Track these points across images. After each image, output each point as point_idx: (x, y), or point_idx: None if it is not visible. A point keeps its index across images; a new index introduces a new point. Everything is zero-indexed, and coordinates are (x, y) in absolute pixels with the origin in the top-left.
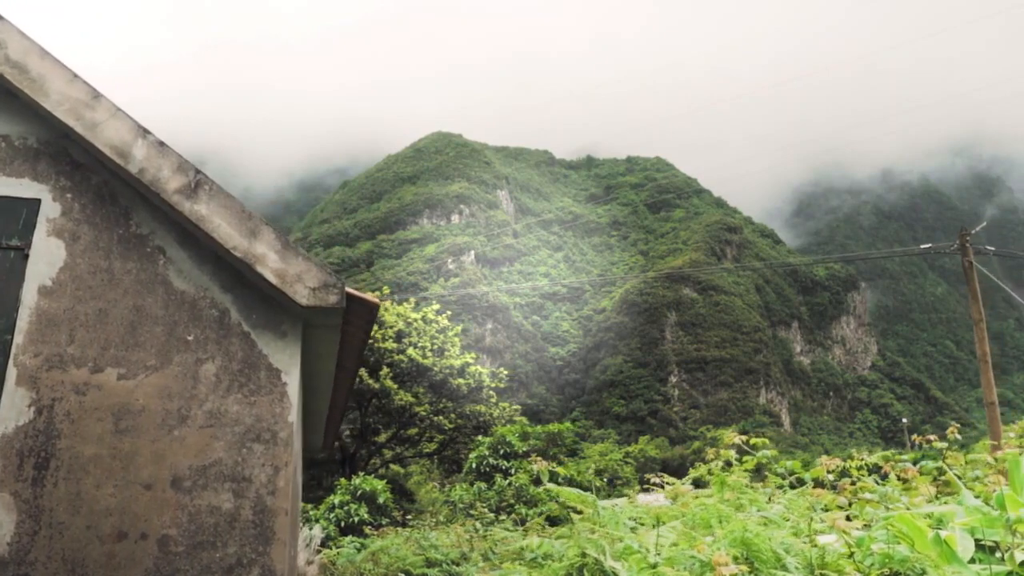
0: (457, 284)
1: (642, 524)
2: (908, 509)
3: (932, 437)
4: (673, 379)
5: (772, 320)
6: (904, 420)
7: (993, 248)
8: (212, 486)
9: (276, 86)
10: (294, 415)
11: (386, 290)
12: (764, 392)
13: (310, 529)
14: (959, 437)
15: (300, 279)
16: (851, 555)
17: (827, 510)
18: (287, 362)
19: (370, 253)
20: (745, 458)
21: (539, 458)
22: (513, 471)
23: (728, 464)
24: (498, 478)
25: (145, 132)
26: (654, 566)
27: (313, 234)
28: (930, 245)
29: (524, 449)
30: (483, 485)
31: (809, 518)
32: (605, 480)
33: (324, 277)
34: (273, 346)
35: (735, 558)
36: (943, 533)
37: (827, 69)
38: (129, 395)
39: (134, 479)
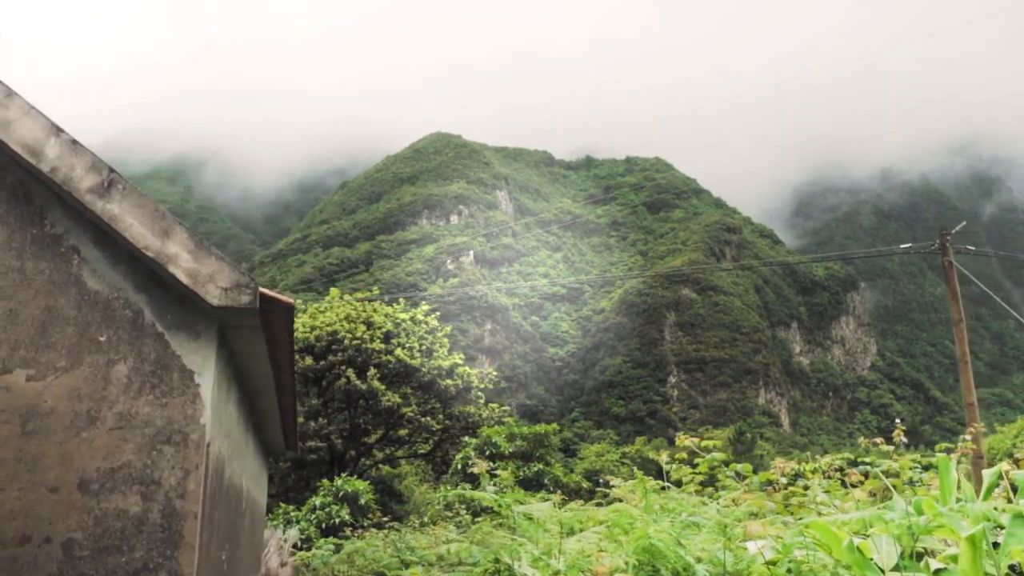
0: (456, 285)
1: (582, 528)
2: (840, 514)
3: (879, 440)
4: (672, 379)
5: (771, 320)
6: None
7: (974, 248)
8: (120, 489)
9: (276, 86)
10: (207, 417)
11: (376, 290)
12: (763, 392)
13: (285, 531)
14: (905, 440)
15: (212, 279)
16: (774, 562)
17: (756, 515)
18: (201, 363)
19: (369, 254)
20: (697, 461)
21: (479, 460)
22: (499, 472)
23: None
24: (483, 479)
25: (58, 130)
26: (556, 573)
27: (312, 235)
28: (910, 245)
29: (510, 450)
30: (468, 486)
31: (725, 525)
32: (602, 481)
33: (237, 277)
34: (187, 347)
35: (638, 564)
36: (857, 540)
37: (827, 69)
38: (38, 397)
39: (40, 482)
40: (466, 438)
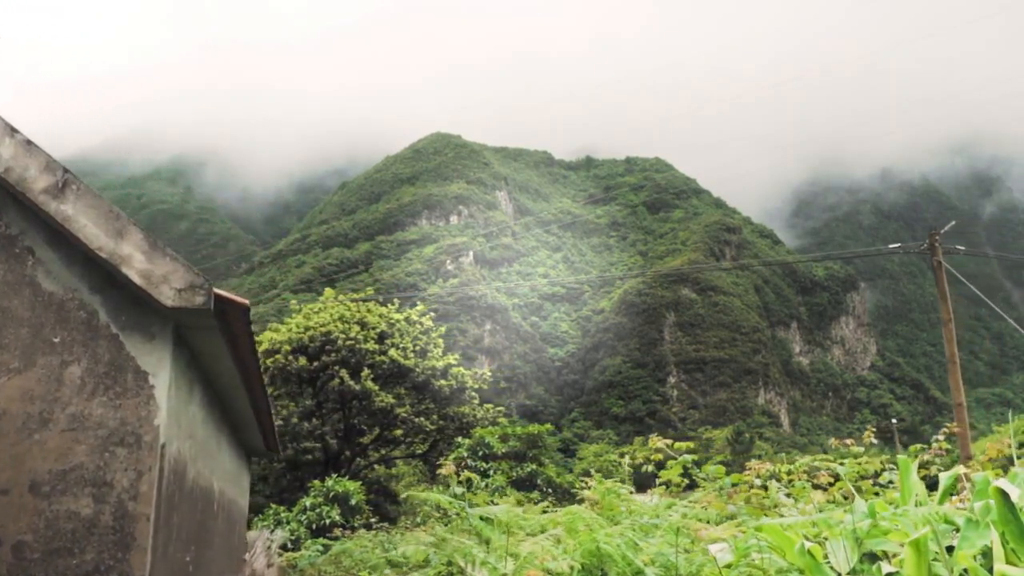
0: (456, 285)
1: (543, 530)
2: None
3: (849, 441)
4: (672, 380)
5: (771, 320)
6: (894, 421)
7: (963, 248)
8: (72, 491)
9: (276, 86)
10: (162, 418)
11: (369, 291)
12: (763, 392)
13: (272, 532)
14: (875, 441)
15: (166, 280)
16: (730, 565)
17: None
18: (155, 364)
19: (369, 254)
20: (670, 462)
21: (448, 462)
22: (491, 472)
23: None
24: (475, 479)
25: (13, 131)
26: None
27: (312, 235)
28: (899, 245)
29: (503, 451)
30: (461, 487)
31: (677, 528)
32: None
33: (191, 278)
34: (141, 348)
35: (583, 568)
36: (809, 544)
37: (827, 69)
38: None
39: None
40: (459, 439)
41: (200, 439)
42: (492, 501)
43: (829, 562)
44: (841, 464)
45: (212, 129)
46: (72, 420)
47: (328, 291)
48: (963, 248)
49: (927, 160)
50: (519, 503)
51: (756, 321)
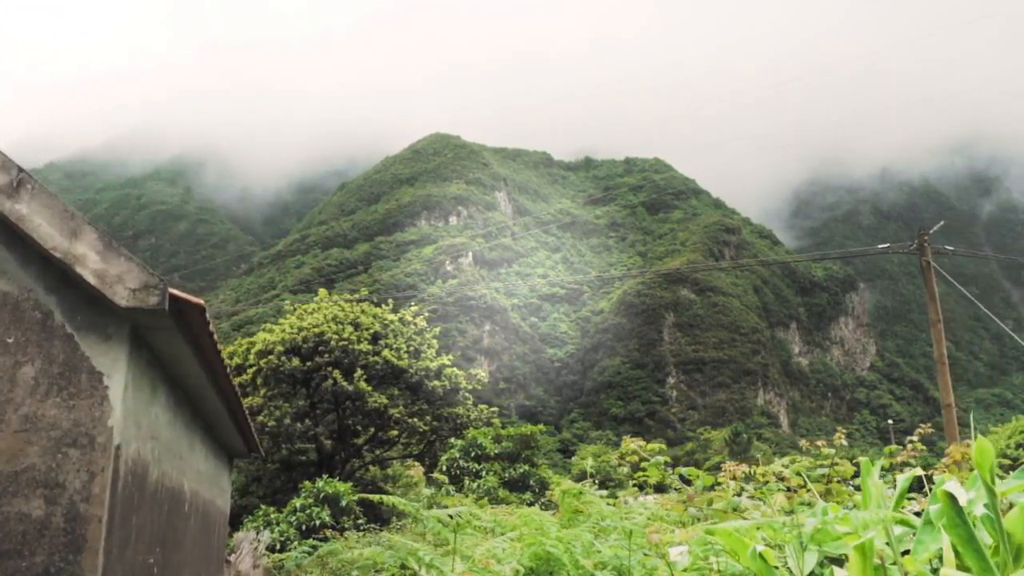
0: (455, 285)
1: (503, 532)
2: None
3: (821, 442)
4: (671, 380)
5: (770, 321)
6: (890, 421)
7: (952, 248)
8: (23, 493)
9: (275, 87)
10: (116, 419)
11: (364, 291)
12: (762, 393)
13: (259, 533)
14: (845, 443)
15: (121, 280)
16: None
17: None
18: (110, 365)
19: (368, 255)
20: (644, 463)
21: (414, 463)
22: (484, 473)
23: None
24: (467, 480)
25: None
26: None
27: (311, 236)
28: (887, 245)
29: (496, 451)
30: (451, 488)
31: (628, 531)
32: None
33: (145, 278)
34: (96, 348)
35: (530, 571)
36: (760, 548)
37: (827, 69)
38: None
39: None
40: (452, 439)
41: (165, 440)
42: (491, 502)
43: (780, 566)
44: (823, 466)
45: (212, 129)
46: (24, 421)
47: (322, 291)
48: (952, 248)
49: (926, 160)
50: (509, 504)
51: (755, 322)
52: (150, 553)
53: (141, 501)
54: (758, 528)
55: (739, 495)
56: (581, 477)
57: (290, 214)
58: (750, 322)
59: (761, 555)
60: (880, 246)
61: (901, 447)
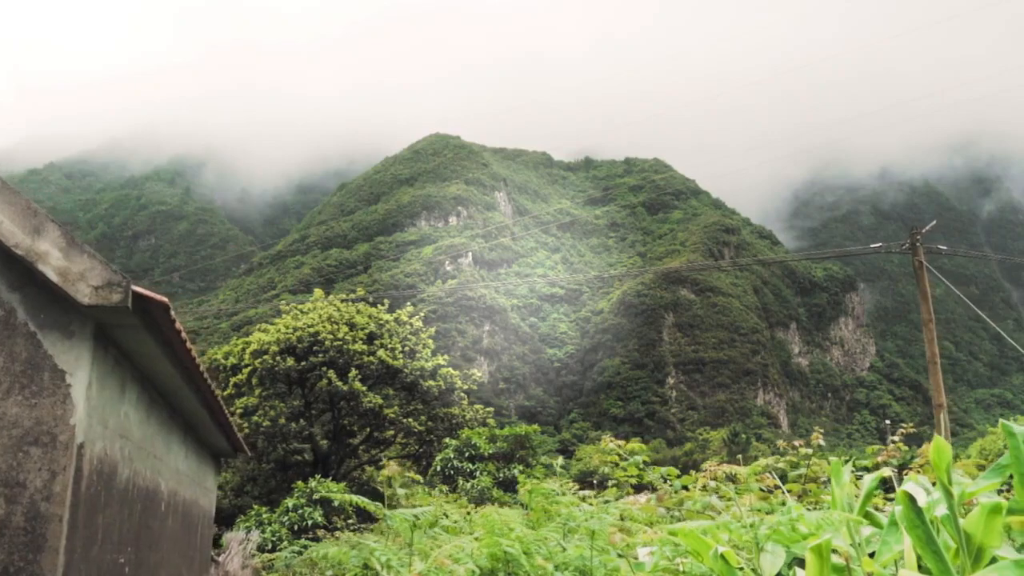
0: (455, 286)
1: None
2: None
3: (799, 442)
4: (671, 380)
5: (770, 321)
6: (888, 421)
7: (945, 247)
8: None
9: (275, 88)
10: (79, 417)
11: (360, 291)
12: (762, 393)
13: (249, 533)
14: (823, 444)
15: (83, 277)
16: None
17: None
18: (74, 363)
19: (368, 255)
20: (623, 463)
21: (391, 463)
22: (477, 474)
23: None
24: (460, 480)
25: None
26: None
27: (311, 236)
28: (880, 244)
29: (490, 452)
30: (445, 488)
31: (593, 531)
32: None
33: (108, 276)
34: (59, 347)
35: (486, 572)
36: (722, 549)
37: (827, 69)
38: None
39: None
40: (447, 439)
41: (137, 439)
42: (484, 502)
43: (742, 567)
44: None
45: (211, 130)
46: None
47: (317, 291)
48: (945, 248)
49: (926, 160)
50: (503, 504)
51: (755, 322)
52: (120, 552)
53: (109, 500)
54: (720, 528)
55: (715, 495)
56: (581, 477)
57: (290, 214)
58: (750, 322)
59: (723, 556)
60: (873, 245)
61: (883, 447)
